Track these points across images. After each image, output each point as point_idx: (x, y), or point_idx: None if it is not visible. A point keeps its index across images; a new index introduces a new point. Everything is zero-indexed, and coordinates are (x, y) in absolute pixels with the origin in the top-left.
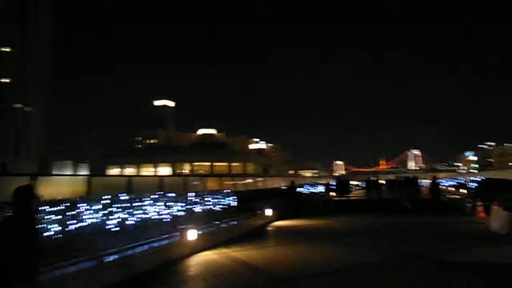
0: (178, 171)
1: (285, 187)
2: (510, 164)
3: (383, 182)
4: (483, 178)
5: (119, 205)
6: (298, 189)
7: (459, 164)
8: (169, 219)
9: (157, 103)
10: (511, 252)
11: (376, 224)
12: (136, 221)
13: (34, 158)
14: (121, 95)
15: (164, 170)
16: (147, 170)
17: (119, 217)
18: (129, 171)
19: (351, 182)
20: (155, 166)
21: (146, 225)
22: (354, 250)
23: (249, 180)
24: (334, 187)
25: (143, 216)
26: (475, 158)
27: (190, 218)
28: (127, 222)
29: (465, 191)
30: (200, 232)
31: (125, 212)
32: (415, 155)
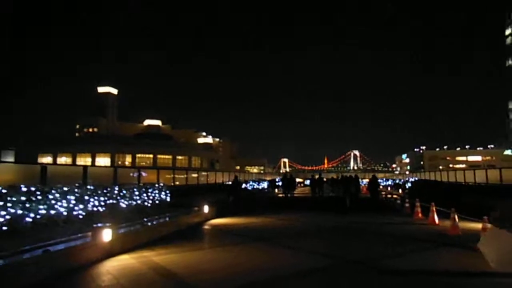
0: (119, 162)
1: (229, 183)
2: (440, 167)
3: (325, 179)
4: (416, 179)
5: (14, 198)
6: (243, 185)
7: (394, 165)
8: (82, 216)
9: (100, 90)
10: (456, 256)
11: (320, 224)
12: (36, 219)
13: None
14: (64, 81)
15: (104, 161)
16: (84, 161)
17: (13, 213)
18: (63, 160)
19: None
20: (93, 157)
21: (50, 223)
22: (295, 255)
23: (193, 175)
24: (280, 184)
25: (50, 212)
26: (408, 160)
27: (111, 214)
28: (27, 219)
29: (401, 191)
30: (120, 231)
31: (22, 207)
32: (356, 155)
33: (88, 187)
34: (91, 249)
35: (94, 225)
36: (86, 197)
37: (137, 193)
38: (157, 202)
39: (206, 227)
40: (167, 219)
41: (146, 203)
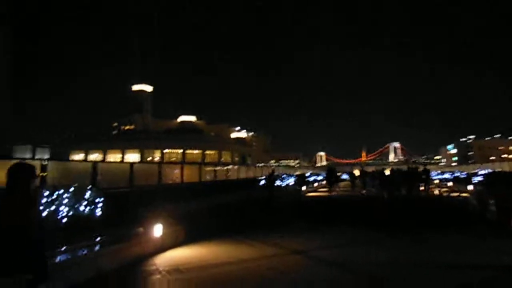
0: (148, 158)
1: (245, 179)
2: (490, 158)
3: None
4: (489, 171)
5: None
6: (262, 182)
7: (439, 157)
8: None
9: (135, 87)
10: None
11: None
12: None
13: None
14: (99, 80)
15: (133, 156)
16: (114, 157)
17: None
18: (94, 157)
19: None
20: (123, 153)
21: None
22: None
23: (207, 169)
24: (310, 180)
25: None
26: (455, 151)
27: None
28: None
29: (471, 187)
30: None
31: None
32: (395, 148)
33: None
34: None
35: None
36: None
37: None
38: (66, 219)
39: (140, 278)
40: (61, 258)
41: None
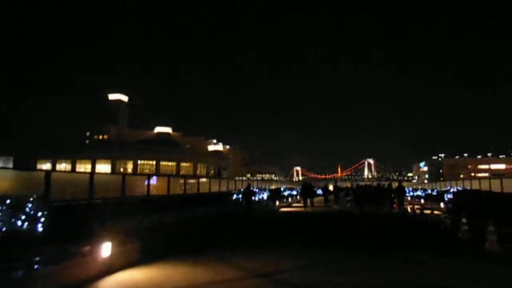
0: (120, 169)
1: (218, 192)
2: (461, 176)
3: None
4: (458, 189)
5: None
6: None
7: (410, 174)
8: None
9: (111, 97)
10: None
11: None
12: None
13: None
14: (76, 89)
15: (104, 167)
16: (84, 167)
17: None
18: (63, 167)
19: None
20: (93, 163)
21: None
22: None
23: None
24: (285, 194)
25: None
26: (426, 169)
27: None
28: None
29: (443, 205)
30: None
31: None
32: (370, 164)
33: None
34: None
35: None
36: None
37: None
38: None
39: None
40: None
41: None
